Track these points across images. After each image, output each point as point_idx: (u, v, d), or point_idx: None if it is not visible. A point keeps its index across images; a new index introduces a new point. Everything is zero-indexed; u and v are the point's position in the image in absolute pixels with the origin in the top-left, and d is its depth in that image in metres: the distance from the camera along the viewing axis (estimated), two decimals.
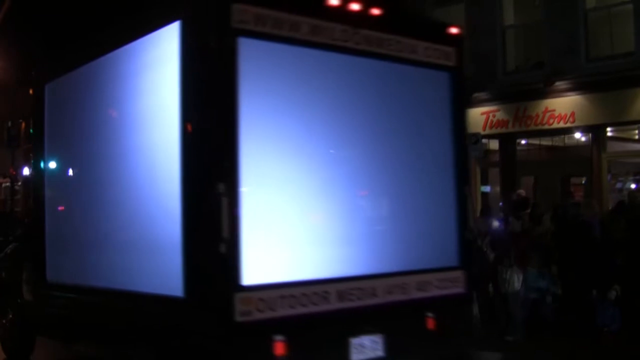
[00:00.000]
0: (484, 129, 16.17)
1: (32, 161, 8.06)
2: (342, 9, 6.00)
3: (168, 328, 5.68)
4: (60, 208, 7.44)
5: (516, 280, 10.07)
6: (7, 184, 29.34)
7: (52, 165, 7.59)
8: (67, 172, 7.32)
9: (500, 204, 14.38)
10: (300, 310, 5.53)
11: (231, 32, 5.28)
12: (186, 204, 5.45)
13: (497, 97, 16.35)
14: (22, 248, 9.05)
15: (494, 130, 16.41)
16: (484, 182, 17.79)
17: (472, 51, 16.26)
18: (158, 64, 5.84)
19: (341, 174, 5.95)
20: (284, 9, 5.59)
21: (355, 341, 5.87)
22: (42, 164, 7.80)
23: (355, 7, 6.09)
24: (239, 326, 5.18)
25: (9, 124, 24.09)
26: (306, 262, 5.66)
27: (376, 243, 6.19)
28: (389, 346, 6.08)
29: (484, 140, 14.72)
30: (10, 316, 9.26)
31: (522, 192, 14.46)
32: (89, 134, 6.81)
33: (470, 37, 15.38)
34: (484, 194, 17.59)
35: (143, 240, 6.00)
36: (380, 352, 6.03)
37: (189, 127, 5.44)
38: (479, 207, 15.82)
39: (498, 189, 17.13)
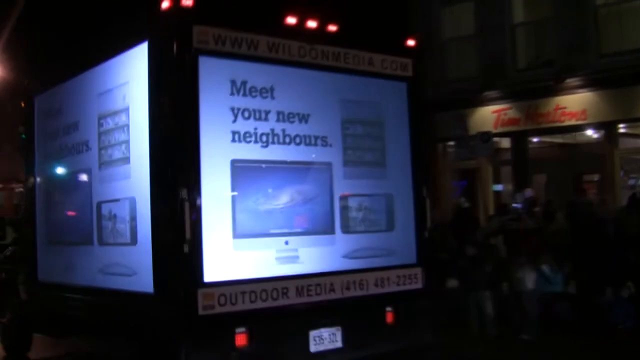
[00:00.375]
0: (495, 127, 16.13)
1: (24, 169, 8.62)
2: (299, 27, 6.50)
3: (141, 321, 6.20)
4: (48, 213, 7.99)
5: (529, 279, 10.13)
6: (21, 189, 30.04)
7: (42, 172, 8.16)
8: (54, 179, 7.87)
9: (515, 205, 14.27)
10: (261, 304, 6.04)
11: (192, 52, 5.80)
12: (154, 208, 5.97)
13: (507, 96, 16.32)
14: (19, 250, 9.63)
15: (505, 129, 16.37)
16: (496, 180, 17.78)
17: (481, 50, 16.67)
18: (132, 80, 6.37)
19: (299, 178, 6.45)
20: (243, 28, 6.10)
21: (314, 333, 6.37)
22: (33, 172, 8.37)
23: (312, 24, 6.59)
24: (202, 319, 5.71)
25: (22, 129, 24.73)
26: (266, 260, 6.17)
27: (336, 242, 6.69)
28: (347, 338, 6.57)
29: (495, 139, 14.72)
30: (9, 315, 9.84)
31: (529, 190, 14.47)
32: (72, 145, 7.36)
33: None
34: (496, 193, 17.60)
35: (119, 242, 6.53)
36: (338, 344, 6.52)
37: (156, 139, 5.96)
38: (491, 206, 16.13)
39: (510, 187, 17.05)
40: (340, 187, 6.72)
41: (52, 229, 7.92)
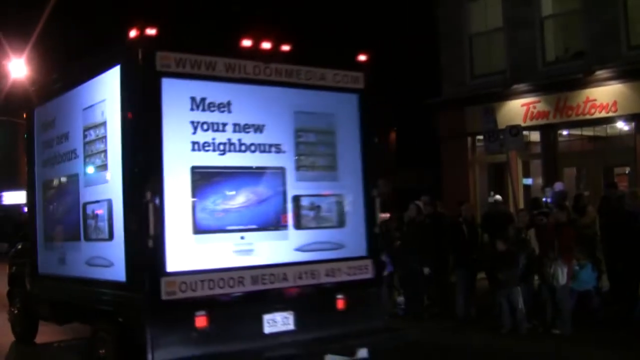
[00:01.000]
0: (525, 120, 16.04)
1: (27, 173, 9.69)
2: (254, 48, 7.42)
3: (117, 306, 7.19)
4: (45, 213, 9.04)
5: (561, 274, 10.13)
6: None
7: (40, 177, 9.20)
8: (50, 183, 8.90)
9: (545, 199, 14.05)
10: (219, 291, 6.97)
11: (156, 75, 6.75)
12: (125, 209, 6.95)
13: (537, 89, 16.23)
14: (25, 246, 10.71)
15: (534, 122, 16.24)
16: (526, 174, 17.66)
17: (509, 43, 16.60)
18: (108, 98, 7.34)
19: (255, 181, 7.36)
20: (201, 52, 7.03)
21: (267, 317, 7.29)
22: (33, 176, 9.43)
23: (266, 46, 7.50)
24: (165, 303, 6.66)
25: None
26: (224, 253, 7.10)
27: (289, 237, 7.59)
28: (299, 321, 7.48)
29: (524, 132, 14.49)
30: (18, 305, 10.94)
31: (559, 183, 14.40)
32: (64, 153, 8.38)
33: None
34: (526, 187, 17.49)
35: (100, 238, 7.52)
36: (291, 327, 7.43)
37: (126, 148, 6.93)
38: (521, 201, 15.91)
39: (540, 181, 16.96)
40: (293, 189, 7.61)
41: (48, 227, 8.96)
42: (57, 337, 10.74)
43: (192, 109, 7.00)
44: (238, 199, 7.22)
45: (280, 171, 7.57)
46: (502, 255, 10.80)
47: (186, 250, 6.87)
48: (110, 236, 7.27)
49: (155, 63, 6.75)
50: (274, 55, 7.54)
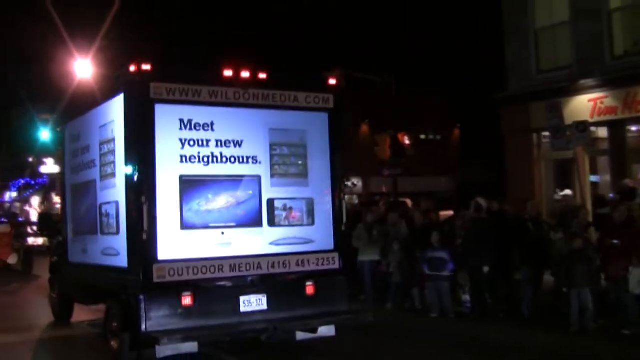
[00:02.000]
0: (592, 116, 15.67)
1: (60, 179, 11.55)
2: (234, 77, 9.00)
3: (121, 287, 8.88)
4: (72, 211, 10.87)
5: (632, 274, 10.08)
6: None
7: (69, 181, 11.04)
8: (76, 187, 10.72)
9: (612, 196, 13.90)
10: (202, 276, 8.58)
11: (150, 102, 8.41)
12: (127, 209, 8.64)
13: (605, 83, 15.83)
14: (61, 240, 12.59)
15: (602, 118, 15.85)
16: (593, 171, 17.16)
17: (576, 36, 16.14)
18: (116, 119, 9.06)
19: (234, 187, 8.94)
20: (189, 82, 8.65)
21: (243, 298, 8.86)
22: (64, 181, 11.27)
23: (245, 74, 9.07)
24: (156, 285, 8.31)
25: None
26: (206, 245, 8.70)
27: (264, 233, 9.13)
28: (271, 303, 9.02)
29: (591, 128, 14.25)
30: (57, 290, 12.84)
31: (629, 181, 14.06)
32: (86, 162, 10.17)
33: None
34: (593, 184, 17.02)
35: (111, 232, 9.25)
36: (264, 307, 8.98)
37: (127, 160, 8.63)
38: (588, 198, 14.89)
39: (608, 178, 16.60)
40: (268, 193, 9.17)
41: (75, 223, 10.78)
42: (89, 317, 12.61)
43: (180, 129, 8.63)
44: (219, 201, 8.82)
45: (257, 179, 9.12)
46: (576, 253, 10.83)
47: (174, 243, 8.50)
48: (117, 231, 8.99)
49: (149, 92, 8.42)
50: (252, 82, 9.11)
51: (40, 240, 25.92)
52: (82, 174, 10.39)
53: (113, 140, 9.14)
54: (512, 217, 12.76)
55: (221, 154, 8.89)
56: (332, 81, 9.81)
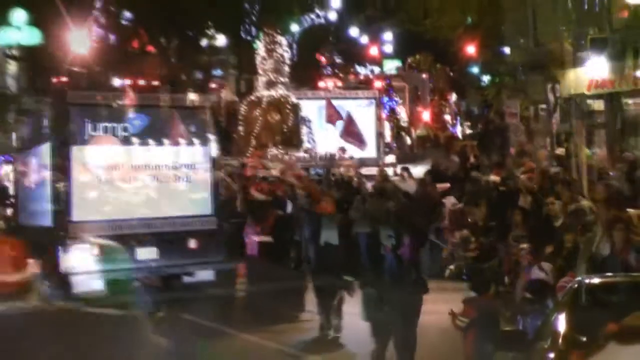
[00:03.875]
0: (589, 89, 15.92)
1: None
2: (133, 86, 12.16)
3: (51, 240, 12.13)
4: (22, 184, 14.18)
5: None
6: None
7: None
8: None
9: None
10: (107, 233, 11.78)
11: (67, 105, 11.57)
12: (52, 185, 11.88)
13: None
14: None
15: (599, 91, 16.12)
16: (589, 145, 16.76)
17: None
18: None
19: (140, 172, 12.13)
20: (98, 90, 11.81)
21: (138, 249, 12.08)
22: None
23: (141, 82, 12.24)
24: (72, 237, 11.52)
25: None
26: (111, 212, 11.91)
27: (158, 201, 12.34)
28: (161, 254, 12.24)
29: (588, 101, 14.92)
30: None
31: (629, 154, 14.52)
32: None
33: None
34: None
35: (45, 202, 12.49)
36: (154, 256, 12.21)
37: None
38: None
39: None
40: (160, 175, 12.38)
41: (23, 194, 14.05)
42: None
43: (89, 123, 11.82)
44: (125, 182, 12.05)
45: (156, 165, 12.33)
46: None
47: (86, 210, 11.73)
48: (48, 201, 12.23)
49: (66, 98, 11.59)
50: (147, 88, 12.29)
51: None
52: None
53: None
54: None
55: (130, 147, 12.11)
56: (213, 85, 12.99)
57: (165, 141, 12.47)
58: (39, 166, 12.82)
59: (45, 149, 12.45)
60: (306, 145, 22.66)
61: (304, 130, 22.89)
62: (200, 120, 12.85)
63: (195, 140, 12.77)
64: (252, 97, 23.04)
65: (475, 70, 36.04)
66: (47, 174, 12.19)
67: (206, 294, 12.77)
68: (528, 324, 9.41)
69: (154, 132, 12.37)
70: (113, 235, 11.79)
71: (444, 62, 36.57)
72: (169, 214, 12.46)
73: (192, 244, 12.63)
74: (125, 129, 12.07)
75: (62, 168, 11.61)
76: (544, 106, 16.57)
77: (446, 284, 13.20)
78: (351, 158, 22.18)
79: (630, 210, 10.67)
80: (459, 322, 9.22)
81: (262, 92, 22.68)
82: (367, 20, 41.84)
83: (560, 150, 16.71)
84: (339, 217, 11.67)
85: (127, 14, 21.87)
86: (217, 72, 25.94)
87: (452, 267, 13.60)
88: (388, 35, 42.18)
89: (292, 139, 22.45)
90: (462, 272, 13.34)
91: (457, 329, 9.22)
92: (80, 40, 15.32)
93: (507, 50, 23.13)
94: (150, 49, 22.43)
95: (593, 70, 16.08)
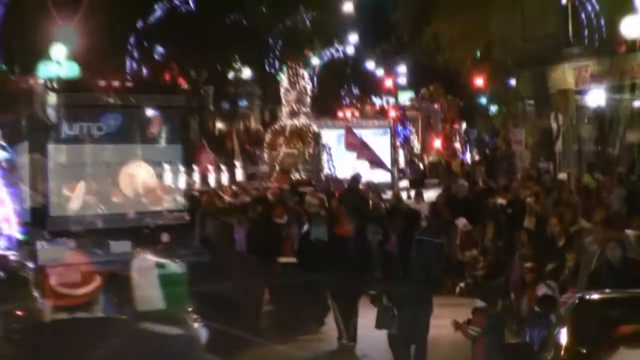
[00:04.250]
0: (576, 85, 16.70)
1: None
2: (107, 85, 12.83)
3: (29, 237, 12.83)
4: None
5: None
6: None
7: None
8: None
9: None
10: (83, 226, 12.52)
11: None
12: (30, 180, 12.55)
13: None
14: None
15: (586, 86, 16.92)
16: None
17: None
18: None
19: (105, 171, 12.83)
20: (75, 91, 12.47)
21: (113, 243, 12.80)
22: None
23: (115, 84, 12.90)
24: (50, 232, 12.24)
25: None
26: (86, 209, 12.62)
27: (131, 199, 13.05)
28: (134, 247, 12.98)
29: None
30: None
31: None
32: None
33: None
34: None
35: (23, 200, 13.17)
36: (128, 249, 12.93)
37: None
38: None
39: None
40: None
41: None
42: None
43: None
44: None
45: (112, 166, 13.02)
46: None
47: (62, 207, 12.44)
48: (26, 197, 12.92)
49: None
50: (122, 89, 12.96)
51: None
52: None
53: None
54: None
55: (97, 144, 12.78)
56: (185, 86, 13.69)
57: (140, 139, 13.16)
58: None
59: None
60: (326, 170, 24.24)
61: (324, 156, 24.35)
62: (172, 121, 13.53)
63: (169, 139, 13.47)
64: (276, 126, 24.78)
65: (483, 100, 38.08)
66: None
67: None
68: (535, 337, 10.18)
69: (129, 131, 13.04)
70: (87, 229, 12.65)
71: (455, 93, 38.85)
72: (142, 209, 13.18)
73: (164, 237, 13.39)
74: (99, 128, 12.74)
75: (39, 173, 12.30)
76: (531, 102, 16.91)
77: (458, 299, 14.16)
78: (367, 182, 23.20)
79: (628, 231, 11.88)
80: (471, 332, 9.99)
81: (286, 122, 24.37)
82: (383, 54, 45.05)
83: (562, 176, 18.03)
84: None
85: (160, 49, 23.60)
86: (244, 102, 28.75)
87: (462, 284, 14.52)
88: (402, 68, 45.24)
89: (313, 165, 24.09)
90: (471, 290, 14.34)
91: (468, 338, 9.99)
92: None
93: (512, 81, 24.35)
94: (181, 81, 23.94)
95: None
